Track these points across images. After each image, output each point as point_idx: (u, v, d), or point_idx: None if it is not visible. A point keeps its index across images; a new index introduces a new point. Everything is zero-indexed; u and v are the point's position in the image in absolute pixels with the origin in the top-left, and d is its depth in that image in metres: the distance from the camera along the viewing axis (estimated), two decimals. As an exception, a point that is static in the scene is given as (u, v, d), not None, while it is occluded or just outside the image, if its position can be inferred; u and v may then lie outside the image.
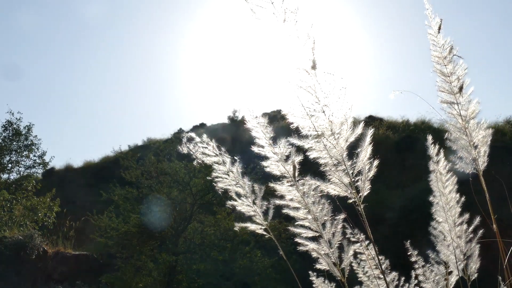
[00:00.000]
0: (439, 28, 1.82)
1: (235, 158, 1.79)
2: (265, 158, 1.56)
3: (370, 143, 1.49)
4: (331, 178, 1.50)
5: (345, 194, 1.51)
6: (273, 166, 1.56)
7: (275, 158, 1.55)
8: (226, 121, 23.19)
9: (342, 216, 1.62)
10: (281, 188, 1.58)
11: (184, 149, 1.78)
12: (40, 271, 10.62)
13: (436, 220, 2.24)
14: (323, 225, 1.63)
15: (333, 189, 1.51)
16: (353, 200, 1.51)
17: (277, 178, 1.59)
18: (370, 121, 19.77)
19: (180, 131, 22.47)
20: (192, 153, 1.77)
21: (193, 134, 1.79)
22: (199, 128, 23.44)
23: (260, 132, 1.54)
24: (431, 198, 2.23)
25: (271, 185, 1.59)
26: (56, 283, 10.59)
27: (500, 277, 1.92)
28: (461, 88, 1.86)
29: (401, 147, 16.60)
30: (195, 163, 1.80)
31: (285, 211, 1.62)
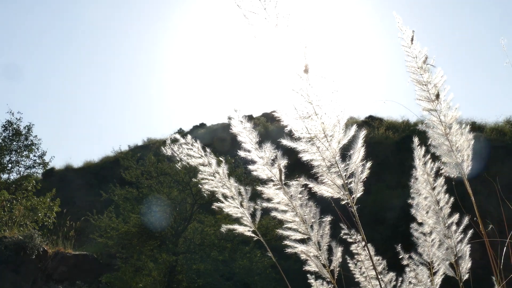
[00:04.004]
0: (412, 40, 1.86)
1: (221, 159, 1.78)
2: (252, 162, 1.58)
3: (363, 145, 1.50)
4: (324, 180, 1.51)
5: (338, 196, 1.52)
6: (259, 170, 1.58)
7: (262, 162, 1.57)
8: (226, 121, 23.16)
9: (329, 218, 1.62)
10: (268, 191, 1.60)
11: (168, 151, 1.77)
12: (40, 271, 10.62)
13: (416, 222, 2.26)
14: (312, 227, 1.63)
15: (326, 191, 1.52)
16: (346, 201, 1.52)
17: (265, 182, 1.60)
18: (370, 121, 19.77)
19: (180, 131, 22.47)
20: (176, 154, 1.76)
21: (177, 136, 1.78)
22: (199, 128, 23.45)
23: (246, 136, 1.56)
24: (409, 200, 2.24)
25: (259, 188, 1.60)
26: (56, 283, 10.59)
27: (494, 278, 1.92)
28: (437, 96, 1.90)
29: (401, 147, 16.60)
30: (178, 165, 1.80)
31: (273, 214, 1.63)
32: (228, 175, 1.76)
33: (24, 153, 14.62)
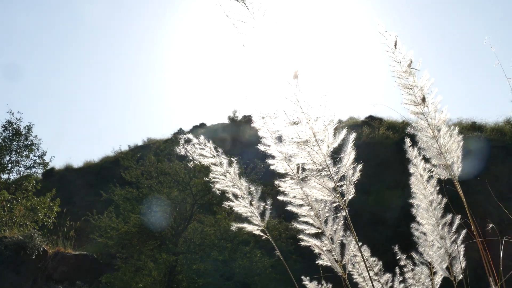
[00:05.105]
0: (395, 44, 1.87)
1: (232, 159, 1.81)
2: (271, 156, 1.60)
3: (353, 148, 1.53)
4: (314, 184, 1.54)
5: (330, 199, 1.54)
6: (278, 164, 1.60)
7: (280, 156, 1.59)
8: (226, 121, 23.19)
9: (343, 213, 1.64)
10: (285, 185, 1.61)
11: (181, 151, 1.81)
12: (40, 271, 10.62)
13: (417, 221, 2.26)
14: (325, 222, 1.65)
15: (318, 194, 1.54)
16: (337, 204, 1.54)
17: (282, 176, 1.62)
18: (370, 121, 19.76)
19: (180, 131, 22.46)
20: (189, 154, 1.79)
21: (191, 136, 1.81)
22: (199, 128, 23.44)
23: (267, 132, 1.58)
24: (411, 200, 2.24)
25: (276, 182, 1.62)
26: (56, 283, 10.59)
27: (490, 278, 1.92)
28: (423, 99, 1.91)
29: (401, 147, 16.54)
30: (191, 164, 1.84)
31: (289, 207, 1.65)
32: (239, 175, 1.79)
33: (24, 153, 14.62)
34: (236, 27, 1.38)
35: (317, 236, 1.67)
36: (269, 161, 1.60)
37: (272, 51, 1.38)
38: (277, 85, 1.41)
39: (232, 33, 1.39)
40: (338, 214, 1.65)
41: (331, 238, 1.66)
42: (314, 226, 1.65)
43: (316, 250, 1.67)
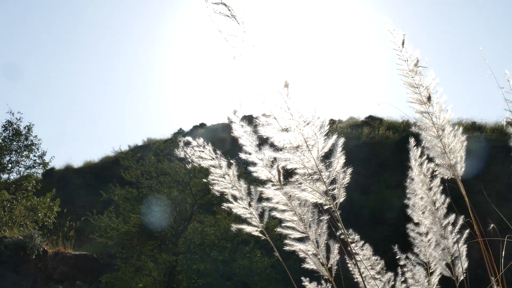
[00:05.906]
0: (403, 43, 1.88)
1: (231, 161, 1.83)
2: (253, 163, 1.64)
3: (342, 152, 1.56)
4: (306, 187, 1.58)
5: (321, 202, 1.56)
6: (260, 171, 1.63)
7: (261, 163, 1.63)
8: (226, 121, 23.17)
9: (326, 216, 1.67)
10: (268, 191, 1.64)
11: (181, 153, 1.82)
12: (40, 271, 10.62)
13: (412, 222, 2.26)
14: (310, 226, 1.67)
15: (309, 197, 1.57)
16: (328, 206, 1.57)
17: (264, 182, 1.66)
18: (370, 121, 19.76)
19: (180, 131, 22.47)
20: (188, 156, 1.81)
21: (190, 138, 1.82)
22: (199, 128, 23.44)
23: (247, 139, 1.62)
24: (405, 201, 2.25)
25: (259, 189, 1.65)
26: (56, 283, 10.59)
27: (492, 278, 1.92)
28: (429, 98, 1.92)
29: (401, 147, 16.54)
30: (189, 166, 1.85)
31: (273, 213, 1.68)
32: (238, 177, 1.80)
33: (24, 153, 14.63)
34: (228, 41, 1.42)
35: (303, 240, 1.70)
36: (251, 168, 1.63)
37: (262, 62, 1.43)
38: (268, 93, 1.45)
39: (223, 46, 1.43)
40: (322, 218, 1.67)
41: (316, 242, 1.67)
42: (298, 230, 1.67)
43: (302, 255, 1.69)
